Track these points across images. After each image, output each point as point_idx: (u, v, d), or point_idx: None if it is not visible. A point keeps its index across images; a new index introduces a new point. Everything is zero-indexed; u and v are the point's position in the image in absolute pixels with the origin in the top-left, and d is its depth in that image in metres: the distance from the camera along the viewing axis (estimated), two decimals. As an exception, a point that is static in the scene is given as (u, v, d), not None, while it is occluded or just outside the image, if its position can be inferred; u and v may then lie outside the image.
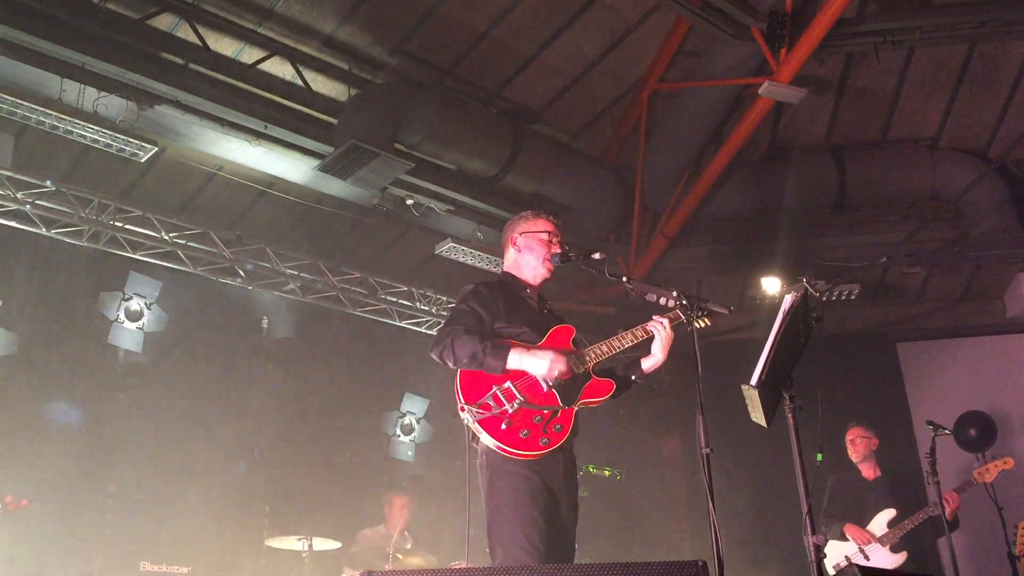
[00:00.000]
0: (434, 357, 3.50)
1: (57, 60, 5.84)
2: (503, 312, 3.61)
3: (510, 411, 3.35)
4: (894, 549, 5.89)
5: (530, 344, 3.54)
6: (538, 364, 3.42)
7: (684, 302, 3.60)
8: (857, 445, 6.27)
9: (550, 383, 3.43)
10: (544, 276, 3.82)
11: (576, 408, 3.50)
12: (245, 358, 7.92)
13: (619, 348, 3.63)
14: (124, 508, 6.89)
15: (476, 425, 3.35)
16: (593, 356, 3.57)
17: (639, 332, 3.68)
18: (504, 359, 3.40)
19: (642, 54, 7.35)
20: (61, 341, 7.04)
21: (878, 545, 5.92)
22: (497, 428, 3.34)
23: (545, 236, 3.81)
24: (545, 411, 3.40)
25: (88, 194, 6.68)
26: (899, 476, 6.37)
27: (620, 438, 8.19)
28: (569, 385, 3.49)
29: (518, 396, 3.38)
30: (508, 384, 3.40)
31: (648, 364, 3.73)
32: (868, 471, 6.28)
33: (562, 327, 3.67)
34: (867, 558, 5.87)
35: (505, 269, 3.91)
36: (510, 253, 3.88)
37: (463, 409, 3.39)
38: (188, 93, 6.22)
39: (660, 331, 3.66)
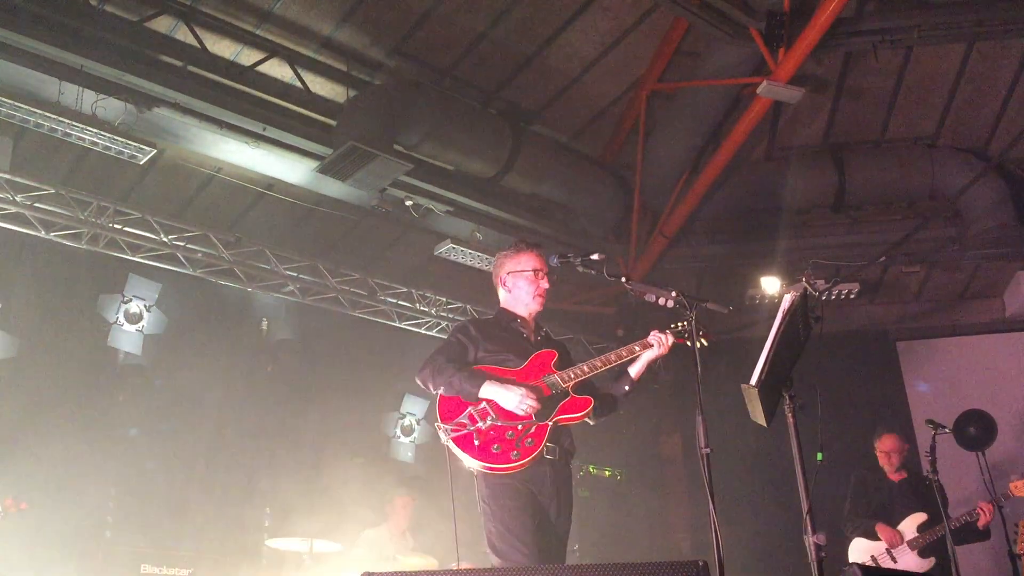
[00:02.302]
0: (418, 382, 3.68)
1: (55, 63, 5.83)
2: (489, 342, 3.75)
3: (483, 427, 3.50)
4: (922, 554, 5.81)
5: (513, 369, 3.67)
6: (508, 397, 3.52)
7: (684, 301, 3.62)
8: (892, 459, 6.21)
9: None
10: (536, 310, 3.94)
11: (550, 424, 3.58)
12: (245, 360, 7.92)
13: (602, 367, 3.73)
14: (124, 511, 6.90)
15: (450, 443, 3.52)
16: (572, 376, 3.68)
17: (624, 352, 3.78)
18: (478, 387, 3.54)
19: (640, 54, 7.35)
20: (61, 344, 7.05)
21: (906, 547, 5.84)
22: (470, 445, 3.51)
23: (531, 275, 3.90)
24: (519, 427, 3.51)
25: (87, 197, 6.68)
26: (925, 479, 6.29)
27: (620, 438, 8.19)
28: (544, 402, 3.59)
29: (491, 413, 3.52)
30: (483, 404, 3.54)
31: (635, 369, 3.83)
32: (896, 474, 6.22)
33: (544, 351, 3.78)
34: (895, 560, 5.79)
35: (501, 306, 4.02)
36: (501, 293, 4.00)
37: (439, 428, 3.57)
38: (187, 95, 6.21)
39: (662, 342, 3.76)
